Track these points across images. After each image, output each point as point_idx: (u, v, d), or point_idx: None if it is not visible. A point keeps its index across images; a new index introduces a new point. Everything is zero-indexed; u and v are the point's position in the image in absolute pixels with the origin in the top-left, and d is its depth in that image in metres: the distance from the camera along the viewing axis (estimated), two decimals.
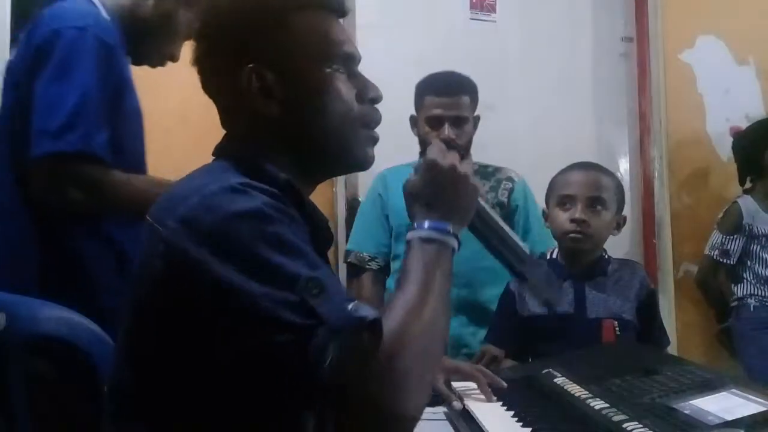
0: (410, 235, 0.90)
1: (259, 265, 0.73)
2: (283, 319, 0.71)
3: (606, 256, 1.76)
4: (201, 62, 0.93)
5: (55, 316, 1.20)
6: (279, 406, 0.78)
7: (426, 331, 0.79)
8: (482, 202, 0.99)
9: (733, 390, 1.04)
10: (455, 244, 0.90)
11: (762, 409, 0.95)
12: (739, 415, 0.93)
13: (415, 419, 0.76)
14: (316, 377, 0.70)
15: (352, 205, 2.42)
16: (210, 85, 0.94)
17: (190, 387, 0.78)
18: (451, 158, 0.93)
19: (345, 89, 0.91)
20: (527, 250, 1.05)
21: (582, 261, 1.72)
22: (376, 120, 0.95)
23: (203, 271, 0.73)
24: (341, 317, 0.73)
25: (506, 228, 1.04)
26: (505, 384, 1.27)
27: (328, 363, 0.70)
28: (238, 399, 0.78)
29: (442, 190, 0.92)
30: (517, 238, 1.04)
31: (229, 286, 0.72)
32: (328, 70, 0.90)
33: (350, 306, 0.74)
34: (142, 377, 0.81)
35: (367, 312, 0.74)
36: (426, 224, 0.89)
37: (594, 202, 1.68)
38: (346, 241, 2.28)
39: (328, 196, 2.32)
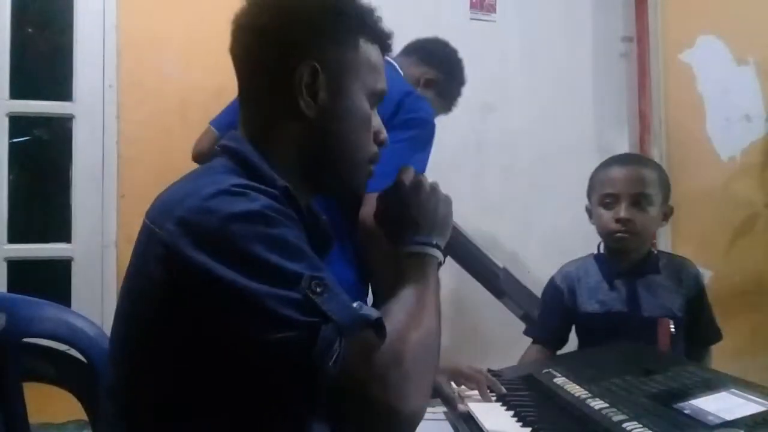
0: (396, 252, 0.93)
1: (261, 266, 0.73)
2: (289, 317, 0.71)
3: (656, 252, 1.69)
4: (252, 51, 0.91)
5: (55, 316, 1.20)
6: (283, 405, 0.78)
7: (425, 333, 0.81)
8: (454, 222, 1.02)
9: (733, 390, 1.04)
10: (441, 257, 0.94)
11: (762, 409, 0.95)
12: (738, 415, 0.93)
13: (416, 417, 0.77)
14: (322, 374, 0.70)
15: None
16: (252, 74, 0.92)
17: (193, 387, 0.78)
18: (417, 177, 0.98)
19: (372, 123, 0.94)
20: (501, 266, 1.08)
21: (631, 258, 1.65)
22: (377, 160, 0.97)
23: (205, 273, 0.73)
24: (347, 315, 0.74)
25: (478, 246, 1.06)
26: (504, 390, 1.27)
27: (333, 360, 0.70)
28: (242, 399, 0.78)
29: (416, 207, 0.95)
30: (489, 255, 1.07)
31: (231, 287, 0.72)
32: (368, 100, 0.92)
33: (355, 304, 0.76)
34: (141, 378, 0.81)
35: (371, 311, 0.76)
36: (410, 240, 0.93)
37: (638, 199, 1.60)
38: None
39: None
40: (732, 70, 2.71)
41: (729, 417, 0.93)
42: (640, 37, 2.71)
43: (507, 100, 2.55)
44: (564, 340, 1.71)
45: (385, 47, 0.96)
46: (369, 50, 0.92)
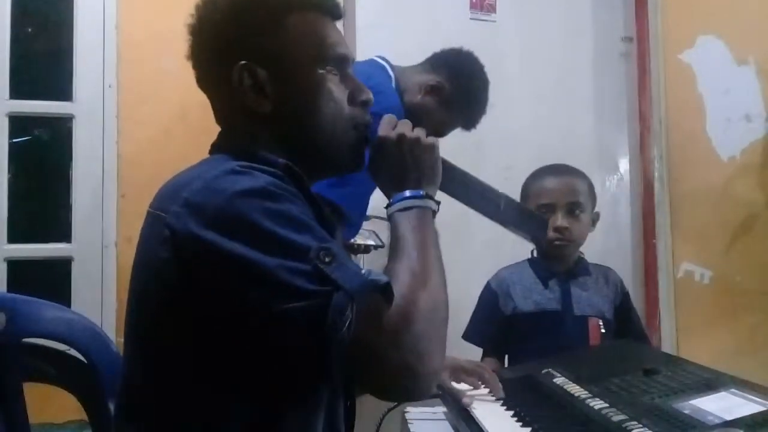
0: (390, 210, 0.92)
1: (269, 240, 0.73)
2: (301, 287, 0.72)
3: (584, 257, 1.78)
4: (196, 57, 0.95)
5: (55, 316, 1.20)
6: (298, 376, 0.79)
7: (432, 291, 0.81)
8: (445, 158, 1.00)
9: (733, 390, 1.04)
10: (434, 206, 0.93)
11: (761, 408, 0.95)
12: (738, 415, 0.93)
13: (434, 375, 0.78)
14: (337, 341, 0.71)
15: None
16: (205, 80, 0.95)
17: (211, 366, 0.79)
18: (399, 128, 0.96)
19: (337, 90, 0.92)
20: (501, 194, 1.06)
21: (565, 261, 1.74)
22: (365, 122, 0.96)
23: (214, 251, 0.73)
24: (357, 281, 0.74)
25: (474, 177, 1.05)
26: (503, 394, 1.26)
27: (346, 326, 0.71)
28: (258, 372, 0.78)
29: (401, 160, 0.94)
30: (487, 185, 1.05)
31: (242, 261, 0.73)
32: (321, 71, 0.91)
33: (363, 270, 0.76)
34: (158, 365, 0.81)
35: (380, 276, 0.76)
36: (400, 195, 0.92)
37: (572, 208, 1.70)
38: None
39: None
40: (732, 70, 2.71)
41: (729, 417, 0.93)
42: (640, 37, 2.70)
43: (507, 99, 2.54)
44: (508, 345, 1.74)
45: (324, 10, 0.94)
46: (305, 21, 0.91)
